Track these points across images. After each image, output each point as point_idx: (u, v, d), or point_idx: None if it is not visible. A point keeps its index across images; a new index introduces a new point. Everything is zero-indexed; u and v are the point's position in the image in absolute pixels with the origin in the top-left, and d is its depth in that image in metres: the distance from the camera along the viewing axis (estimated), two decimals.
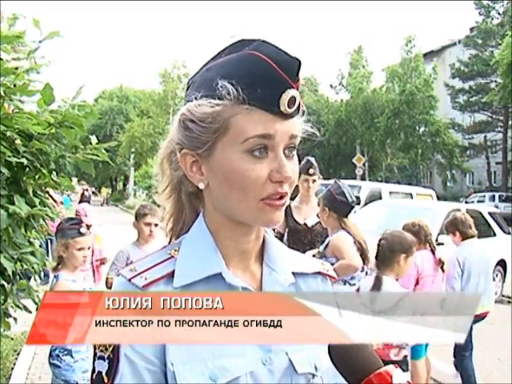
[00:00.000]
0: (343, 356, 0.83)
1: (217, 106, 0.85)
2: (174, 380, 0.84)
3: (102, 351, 0.85)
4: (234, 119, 0.85)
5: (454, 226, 4.62)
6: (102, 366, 0.85)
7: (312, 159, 4.16)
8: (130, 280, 0.88)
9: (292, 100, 0.85)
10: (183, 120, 0.89)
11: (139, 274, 0.88)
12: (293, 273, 0.98)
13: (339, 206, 3.64)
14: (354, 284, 3.62)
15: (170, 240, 1.01)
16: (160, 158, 0.98)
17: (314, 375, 0.93)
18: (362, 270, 3.70)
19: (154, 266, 0.90)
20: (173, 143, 0.94)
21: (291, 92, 0.85)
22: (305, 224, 4.06)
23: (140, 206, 4.10)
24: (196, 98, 0.87)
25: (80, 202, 11.20)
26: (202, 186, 0.91)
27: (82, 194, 13.03)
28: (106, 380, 0.84)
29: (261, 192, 0.86)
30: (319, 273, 1.03)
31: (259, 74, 0.84)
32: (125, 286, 0.88)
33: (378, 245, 3.35)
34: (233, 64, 0.86)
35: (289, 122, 0.87)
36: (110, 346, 0.85)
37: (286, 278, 0.96)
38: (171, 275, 0.89)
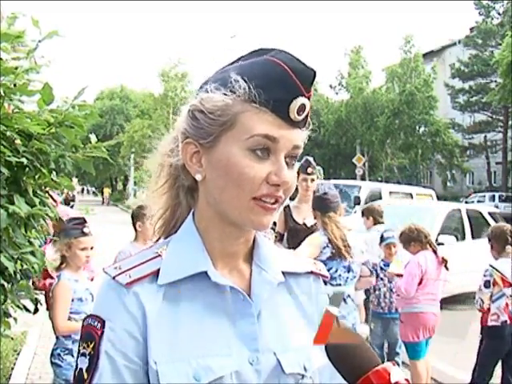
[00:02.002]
0: (341, 353, 0.83)
1: (228, 100, 0.85)
2: (156, 379, 0.82)
3: (84, 348, 0.85)
4: (242, 115, 0.85)
5: (369, 213, 5.81)
6: (83, 363, 0.84)
7: (310, 159, 4.17)
8: (114, 278, 0.87)
9: (302, 107, 0.85)
10: (192, 110, 0.89)
11: (124, 272, 0.88)
12: (284, 272, 0.96)
13: (317, 203, 3.74)
14: (339, 284, 3.59)
15: (158, 239, 0.99)
16: (162, 151, 0.96)
17: (303, 376, 0.92)
18: (349, 271, 3.67)
19: (140, 264, 0.89)
20: (176, 141, 0.93)
21: (302, 100, 0.85)
22: (304, 224, 4.07)
23: (138, 207, 4.11)
24: (209, 91, 0.88)
25: (65, 202, 11.15)
26: (198, 177, 0.90)
27: (67, 193, 13.00)
28: (85, 376, 0.83)
29: (255, 191, 0.85)
30: (311, 272, 1.03)
31: (274, 77, 0.84)
32: (109, 284, 0.88)
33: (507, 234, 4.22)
34: (250, 65, 0.87)
35: (295, 131, 0.87)
36: (91, 342, 0.84)
37: (276, 277, 0.94)
38: (156, 274, 0.88)
